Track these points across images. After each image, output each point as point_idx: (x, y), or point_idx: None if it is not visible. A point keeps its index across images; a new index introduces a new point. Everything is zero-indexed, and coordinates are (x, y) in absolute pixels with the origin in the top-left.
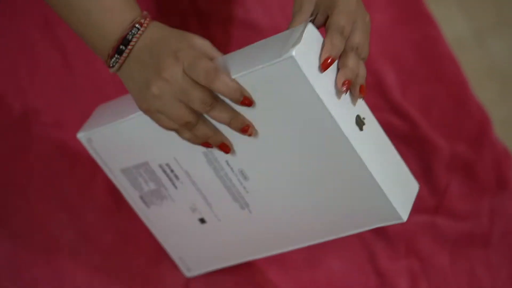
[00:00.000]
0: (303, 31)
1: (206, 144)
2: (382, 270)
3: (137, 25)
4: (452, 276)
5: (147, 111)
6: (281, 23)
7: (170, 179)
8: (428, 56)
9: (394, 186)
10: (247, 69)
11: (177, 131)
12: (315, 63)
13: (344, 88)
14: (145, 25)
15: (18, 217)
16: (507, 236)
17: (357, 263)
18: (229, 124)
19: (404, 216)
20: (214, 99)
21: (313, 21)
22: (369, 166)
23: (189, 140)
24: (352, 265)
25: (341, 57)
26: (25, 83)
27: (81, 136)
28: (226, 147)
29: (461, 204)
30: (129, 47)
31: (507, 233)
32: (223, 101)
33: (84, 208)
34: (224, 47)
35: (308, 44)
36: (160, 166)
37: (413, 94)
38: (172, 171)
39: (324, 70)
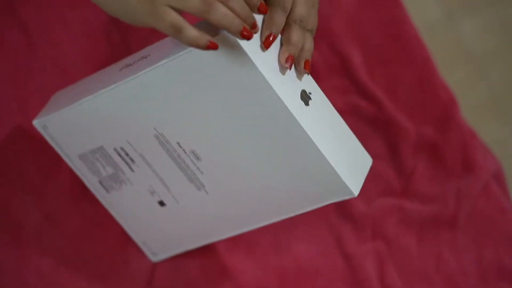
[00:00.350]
0: None
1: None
2: (349, 253)
3: None
4: (419, 258)
5: (159, 11)
6: None
7: (126, 163)
8: (394, 37)
9: (344, 160)
10: (188, 48)
11: (177, 32)
12: (256, 39)
13: (288, 65)
14: None
15: None
16: (473, 218)
17: (324, 247)
18: (241, 15)
19: (356, 191)
20: None
21: None
22: (315, 140)
23: (192, 40)
24: (319, 249)
25: (285, 31)
26: None
27: (36, 123)
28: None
29: (427, 186)
30: None
31: (473, 215)
32: None
33: (50, 193)
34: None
35: None
36: (115, 149)
37: (379, 76)
38: (127, 154)
39: (267, 48)
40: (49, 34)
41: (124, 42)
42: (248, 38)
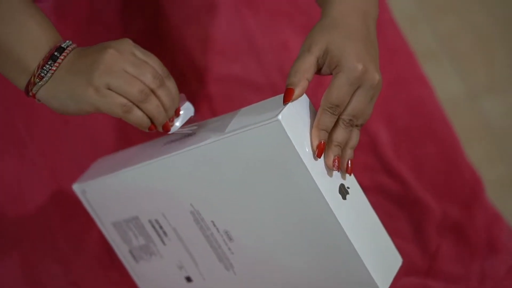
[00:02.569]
0: None
1: (152, 126)
2: None
3: (68, 42)
4: None
5: (96, 92)
6: (278, 81)
7: (159, 235)
8: (421, 117)
9: (375, 257)
10: (235, 130)
11: (126, 111)
12: (301, 127)
13: (335, 167)
14: (74, 45)
15: (11, 269)
16: None
17: None
18: (167, 109)
19: None
20: (167, 74)
21: (319, 71)
22: (350, 235)
23: (137, 121)
24: None
25: (332, 127)
26: (23, 134)
27: (76, 187)
28: (168, 126)
29: (452, 266)
30: (68, 49)
31: None
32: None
33: (77, 260)
34: (223, 104)
35: (295, 108)
36: (150, 221)
37: (405, 154)
38: (161, 227)
39: (320, 157)
40: None
41: None
42: (168, 131)
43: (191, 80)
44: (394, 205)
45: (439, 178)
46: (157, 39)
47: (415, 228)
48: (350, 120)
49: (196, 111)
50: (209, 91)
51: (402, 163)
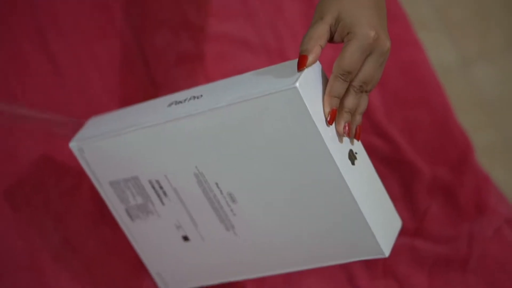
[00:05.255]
0: None
1: None
2: None
3: None
4: None
5: None
6: (271, 41)
7: (158, 195)
8: (413, 80)
9: (379, 221)
10: (248, 95)
11: None
12: (314, 93)
13: (345, 133)
14: None
15: (2, 222)
16: (485, 260)
17: (335, 283)
18: None
19: (387, 252)
20: None
21: (331, 39)
22: (358, 200)
23: None
24: (330, 284)
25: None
26: (16, 91)
27: (73, 145)
28: None
29: (440, 227)
30: None
31: (485, 257)
32: None
33: (69, 216)
34: (216, 63)
35: (310, 75)
36: (150, 181)
37: (397, 117)
38: (161, 187)
39: (331, 124)
40: (76, 65)
41: (148, 74)
42: None
43: (184, 39)
44: (385, 166)
45: (429, 141)
46: None
47: (405, 189)
48: (361, 86)
49: (188, 69)
50: (201, 49)
51: (393, 125)
